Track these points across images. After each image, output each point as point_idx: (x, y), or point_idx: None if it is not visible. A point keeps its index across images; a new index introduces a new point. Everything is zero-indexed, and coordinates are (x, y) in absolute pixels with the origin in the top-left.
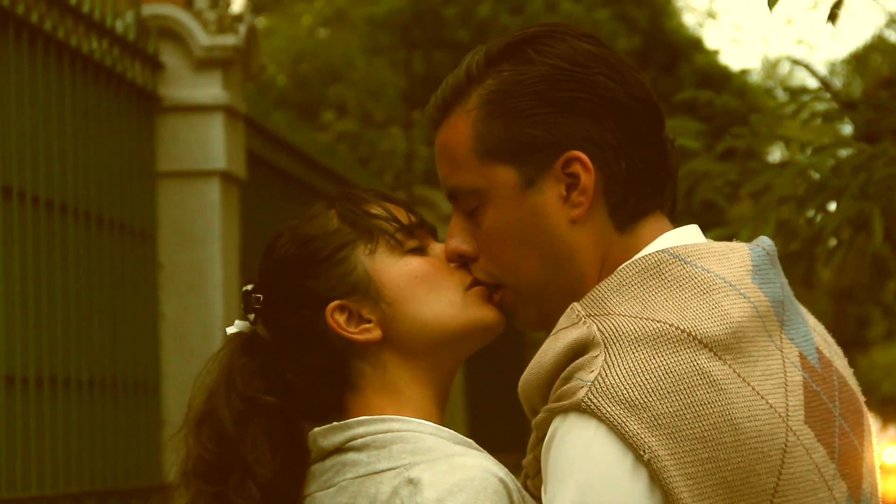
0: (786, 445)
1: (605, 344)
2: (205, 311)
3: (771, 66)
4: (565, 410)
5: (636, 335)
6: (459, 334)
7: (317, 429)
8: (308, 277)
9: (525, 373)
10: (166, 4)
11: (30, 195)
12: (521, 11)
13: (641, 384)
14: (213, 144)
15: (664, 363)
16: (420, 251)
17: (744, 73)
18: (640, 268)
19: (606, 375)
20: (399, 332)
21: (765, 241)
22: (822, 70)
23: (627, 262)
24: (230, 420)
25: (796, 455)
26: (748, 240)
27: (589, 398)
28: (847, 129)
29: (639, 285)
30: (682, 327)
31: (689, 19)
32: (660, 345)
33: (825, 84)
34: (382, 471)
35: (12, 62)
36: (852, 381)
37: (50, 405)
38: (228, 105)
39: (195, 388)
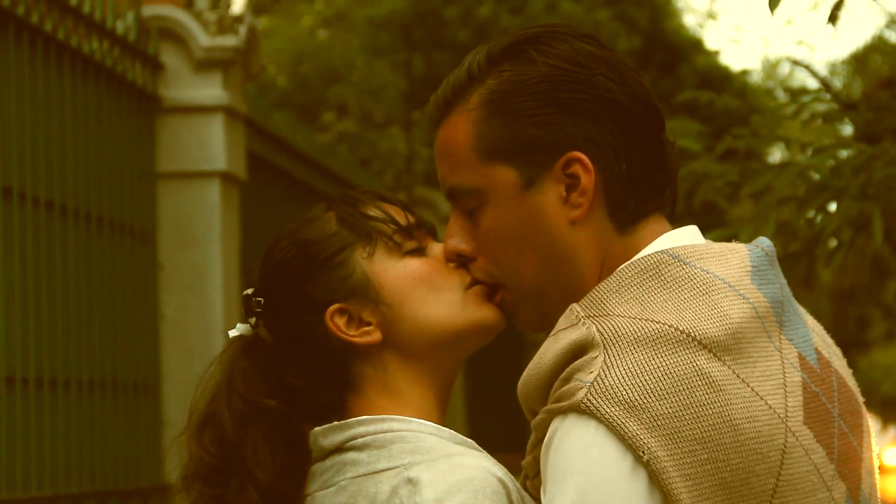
0: (785, 446)
1: (604, 345)
2: (205, 311)
3: (771, 67)
4: (564, 411)
5: (635, 336)
6: (459, 334)
7: (317, 428)
8: (307, 281)
9: (524, 374)
10: (166, 5)
11: (30, 196)
12: (522, 12)
13: (640, 385)
14: (214, 145)
15: (663, 364)
16: (419, 252)
17: (744, 73)
18: (639, 269)
19: (606, 376)
20: (399, 334)
21: (764, 242)
22: (823, 71)
23: (627, 263)
24: (231, 423)
25: (795, 456)
26: (748, 240)
27: (588, 399)
28: (847, 129)
29: (638, 286)
30: (681, 328)
31: (690, 20)
32: (659, 346)
33: (825, 85)
34: (382, 470)
35: (12, 63)
36: (851, 382)
37: (50, 406)
38: (229, 106)
39: (197, 392)
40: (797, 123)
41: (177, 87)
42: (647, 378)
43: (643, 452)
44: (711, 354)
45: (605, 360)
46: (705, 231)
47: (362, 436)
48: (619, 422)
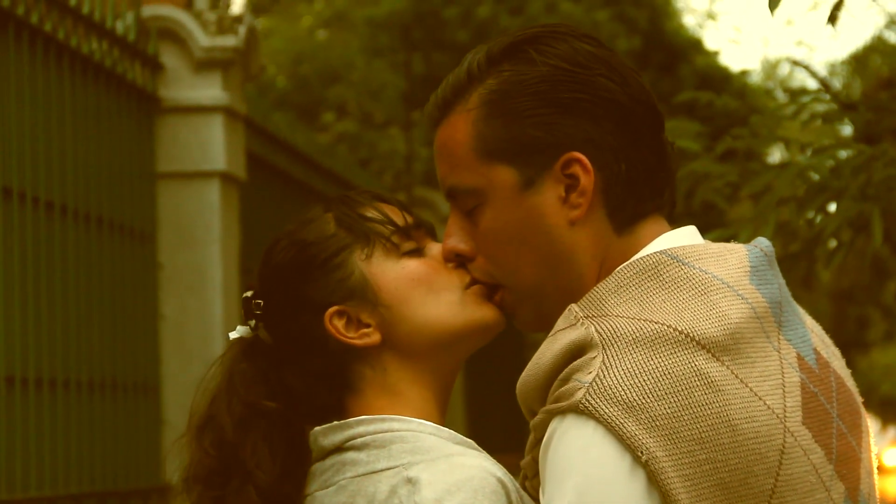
0: (783, 447)
1: (602, 345)
2: (204, 311)
3: (771, 68)
4: (563, 412)
5: (634, 336)
6: (459, 335)
7: (317, 428)
8: (306, 283)
9: (523, 374)
10: (166, 5)
11: (30, 196)
12: (521, 12)
13: (639, 385)
14: (213, 145)
15: (662, 364)
16: (417, 253)
17: (744, 74)
18: (638, 269)
19: (604, 377)
20: (398, 335)
21: (762, 242)
22: (822, 71)
23: (625, 264)
24: (231, 425)
25: (794, 456)
26: (748, 241)
27: (587, 399)
28: (847, 130)
29: (637, 286)
30: (679, 328)
31: (689, 20)
32: (657, 346)
33: (825, 85)
34: (381, 470)
35: (12, 63)
36: (850, 383)
37: (50, 406)
38: (228, 106)
39: (197, 394)
40: (797, 124)
41: (176, 87)
42: (645, 378)
43: (642, 453)
44: (710, 355)
45: (603, 361)
46: (705, 231)
47: (362, 435)
48: (617, 422)
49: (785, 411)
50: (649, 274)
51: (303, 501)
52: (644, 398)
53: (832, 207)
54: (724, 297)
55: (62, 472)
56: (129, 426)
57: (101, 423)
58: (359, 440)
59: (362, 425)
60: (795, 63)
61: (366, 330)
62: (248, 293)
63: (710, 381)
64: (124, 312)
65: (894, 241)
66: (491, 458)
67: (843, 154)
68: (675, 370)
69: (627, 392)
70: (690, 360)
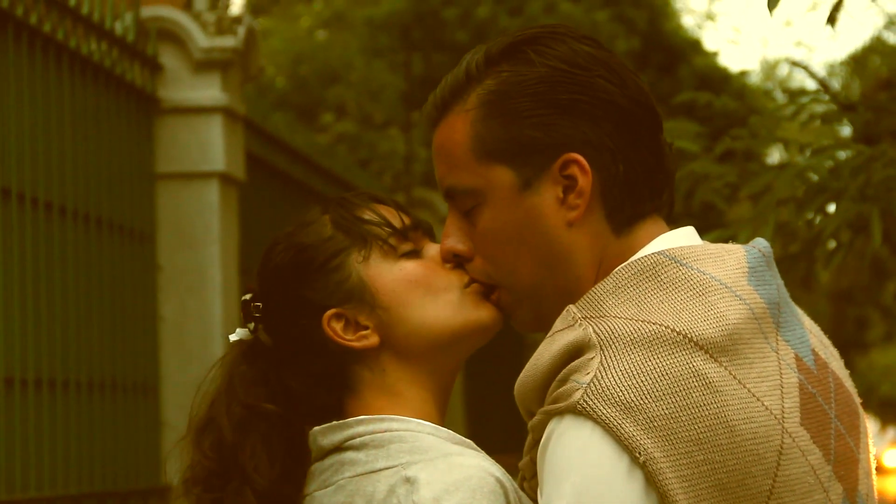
0: (781, 447)
1: (600, 346)
2: (204, 312)
3: (770, 68)
4: (561, 413)
5: (632, 337)
6: (457, 336)
7: (316, 428)
8: (304, 286)
9: (521, 375)
10: (165, 6)
11: (29, 197)
12: (521, 13)
13: (637, 386)
14: (213, 146)
15: (660, 365)
16: (415, 254)
17: (743, 74)
18: (636, 270)
19: (602, 377)
20: (396, 337)
21: (761, 243)
22: (821, 72)
23: (623, 265)
24: (230, 428)
25: (792, 457)
26: (747, 241)
27: (585, 400)
28: (846, 130)
29: (635, 287)
30: (677, 329)
31: (688, 21)
32: (655, 347)
33: (824, 86)
34: (380, 469)
35: (11, 64)
36: (848, 383)
37: (49, 407)
38: (227, 107)
39: (197, 396)
40: (796, 124)
41: (175, 87)
42: (643, 379)
43: (639, 453)
44: (708, 355)
45: (601, 362)
46: (704, 232)
47: (361, 435)
48: (615, 423)
49: (783, 412)
50: (647, 275)
51: (302, 501)
52: (642, 399)
53: (831, 208)
54: (722, 297)
55: (61, 473)
56: (128, 427)
57: (100, 424)
58: (357, 440)
59: (361, 425)
60: (794, 64)
61: (364, 332)
62: (247, 296)
63: (707, 381)
64: (123, 313)
65: (893, 242)
66: (489, 458)
67: (843, 155)
68: (672, 371)
69: (625, 393)
70: (688, 361)
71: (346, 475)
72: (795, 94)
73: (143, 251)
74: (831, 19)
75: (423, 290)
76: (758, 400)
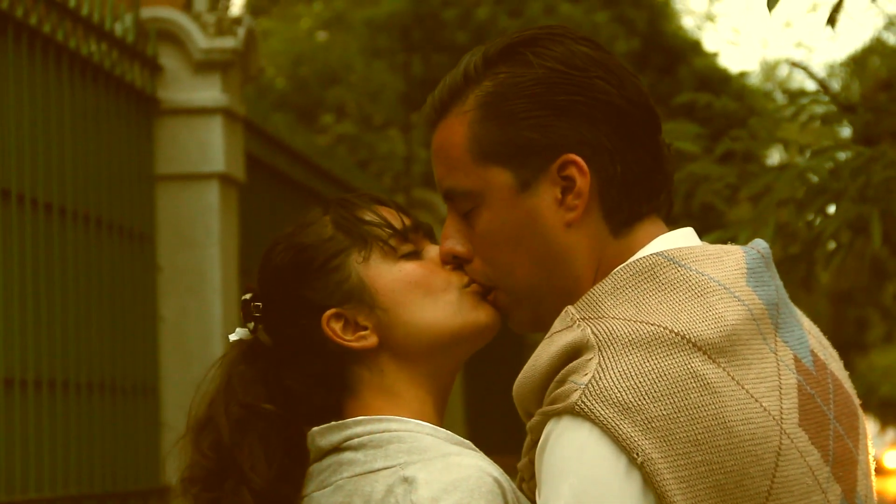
0: (779, 448)
1: (599, 347)
2: (204, 313)
3: (770, 69)
4: (559, 413)
5: (630, 338)
6: (455, 337)
7: (315, 428)
8: (304, 286)
9: (519, 376)
10: (165, 7)
11: (29, 198)
12: (520, 14)
13: (635, 387)
14: (212, 147)
15: (658, 366)
16: (415, 255)
17: (742, 75)
18: (634, 271)
19: (600, 378)
20: (395, 338)
21: (760, 244)
22: (821, 73)
23: (622, 266)
24: (228, 427)
25: (790, 458)
26: (747, 242)
27: (583, 401)
28: (846, 131)
29: (633, 288)
30: (676, 330)
31: (688, 22)
32: (654, 348)
33: (824, 86)
34: (378, 469)
35: (11, 65)
36: (847, 384)
37: (49, 408)
38: (227, 107)
39: (196, 396)
40: (796, 125)
41: (175, 88)
42: (641, 380)
43: (637, 454)
44: (706, 356)
45: (599, 363)
46: (704, 233)
47: (359, 436)
48: (613, 423)
49: (781, 413)
50: (646, 276)
51: (300, 502)
52: (640, 400)
53: (831, 209)
54: (721, 298)
55: (61, 474)
56: (128, 428)
57: (100, 425)
58: (356, 440)
59: (360, 426)
60: (794, 64)
61: (363, 332)
62: (247, 295)
63: (705, 382)
64: (123, 314)
65: (893, 243)
66: (487, 459)
67: (843, 156)
68: (670, 372)
69: (623, 394)
70: (686, 362)
71: (345, 475)
72: (795, 95)
73: (142, 252)
74: (831, 20)
75: (422, 292)
76: (756, 401)
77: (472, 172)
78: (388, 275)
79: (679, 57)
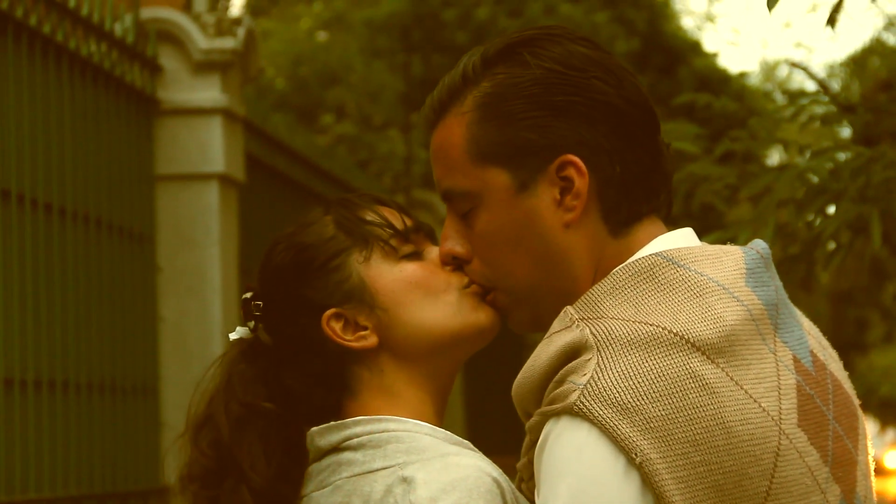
0: (778, 449)
1: (597, 347)
2: (204, 313)
3: (769, 70)
4: (558, 414)
5: (629, 338)
6: (455, 338)
7: (314, 428)
8: (304, 285)
9: (518, 376)
10: (165, 8)
11: (28, 198)
12: (520, 14)
13: (634, 387)
14: (212, 147)
15: (657, 366)
16: (416, 256)
17: (742, 76)
18: (633, 271)
19: (599, 379)
20: (395, 338)
21: (759, 245)
22: (821, 73)
23: (621, 266)
24: (227, 426)
25: (789, 458)
26: (747, 243)
27: (581, 401)
28: (846, 132)
29: (632, 289)
30: (674, 331)
31: (688, 22)
32: (652, 348)
33: (824, 87)
34: (377, 469)
35: (11, 65)
36: (847, 385)
37: (49, 408)
38: (227, 108)
39: (196, 394)
40: (795, 126)
41: (175, 89)
42: (640, 380)
43: (636, 454)
44: (705, 357)
45: (598, 363)
46: (704, 233)
47: (358, 436)
48: (611, 424)
49: (780, 413)
50: (644, 276)
51: (299, 502)
52: (638, 400)
53: (831, 209)
54: (720, 299)
55: (61, 474)
56: (128, 428)
57: (100, 425)
58: (355, 440)
59: (359, 426)
60: (794, 65)
61: (363, 332)
62: (248, 294)
63: (704, 383)
64: (123, 314)
65: (893, 243)
66: (486, 458)
67: (842, 156)
68: (669, 372)
69: (622, 394)
70: (685, 363)
71: (343, 475)
72: (795, 96)
73: (142, 252)
74: (831, 20)
75: (422, 292)
76: (755, 401)
77: (470, 173)
78: (388, 275)
79: (679, 57)
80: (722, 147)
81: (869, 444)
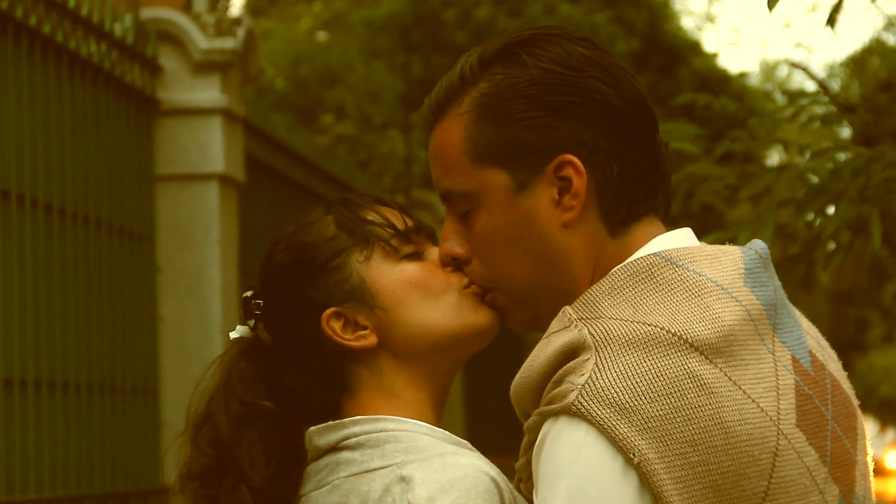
0: (777, 449)
1: (596, 347)
2: (203, 314)
3: (769, 70)
4: (556, 414)
5: (627, 338)
6: (454, 339)
7: (313, 428)
8: (305, 285)
9: (517, 376)
10: (165, 8)
11: (28, 198)
12: (520, 14)
13: (632, 387)
14: (212, 147)
15: (655, 366)
16: (416, 256)
17: (742, 76)
18: (631, 271)
19: (597, 379)
20: (395, 338)
21: (758, 245)
22: (821, 73)
23: (619, 266)
24: (227, 424)
25: (787, 458)
26: (747, 243)
27: (579, 401)
28: (845, 132)
29: (630, 289)
30: (673, 331)
31: (688, 22)
32: (651, 348)
33: (823, 87)
34: (375, 469)
35: (11, 65)
36: (846, 385)
37: (49, 408)
38: (227, 108)
39: (196, 393)
40: (795, 126)
41: (175, 89)
42: (638, 380)
43: (634, 454)
44: (703, 357)
45: (596, 363)
46: (704, 233)
47: (356, 435)
48: (609, 424)
49: (778, 414)
50: (643, 276)
51: (298, 502)
52: (636, 400)
53: (831, 210)
54: (718, 299)
55: (61, 474)
56: (128, 428)
57: (100, 425)
58: (353, 440)
59: (357, 425)
60: (794, 65)
61: (363, 332)
62: (248, 293)
63: (702, 383)
64: (123, 314)
65: (893, 243)
66: (484, 458)
67: (842, 156)
68: (667, 372)
69: (620, 394)
70: (683, 363)
71: (342, 475)
72: (795, 96)
73: (142, 252)
74: (831, 21)
75: (422, 292)
76: (753, 401)
77: (468, 174)
78: (389, 275)
79: (679, 57)
80: (722, 147)
81: (868, 444)
